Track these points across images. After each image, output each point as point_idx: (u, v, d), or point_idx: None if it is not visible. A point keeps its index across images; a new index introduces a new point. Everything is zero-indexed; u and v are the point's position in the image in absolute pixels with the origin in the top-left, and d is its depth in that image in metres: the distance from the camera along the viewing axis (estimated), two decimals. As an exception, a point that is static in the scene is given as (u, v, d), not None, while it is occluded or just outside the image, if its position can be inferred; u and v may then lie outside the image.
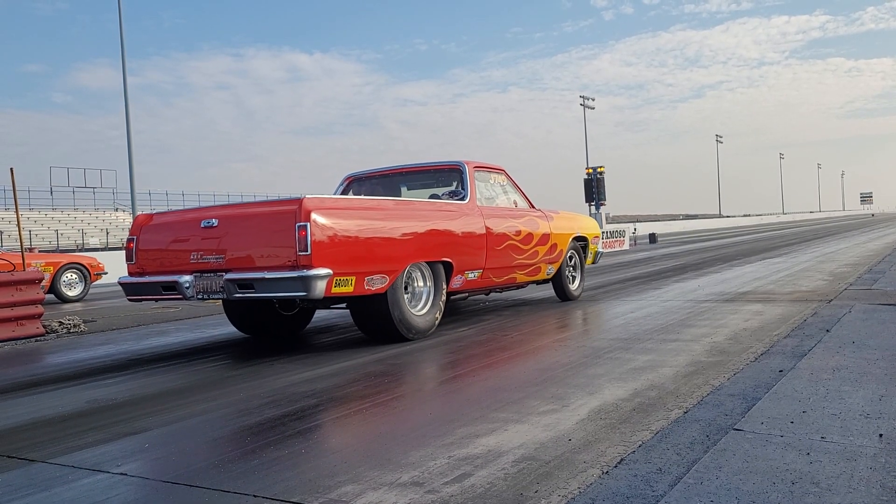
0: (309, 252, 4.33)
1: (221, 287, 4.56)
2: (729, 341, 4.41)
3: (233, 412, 3.30)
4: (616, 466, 2.24)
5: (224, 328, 6.64)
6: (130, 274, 5.18)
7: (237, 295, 4.51)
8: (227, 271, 4.61)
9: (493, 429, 2.74)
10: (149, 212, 5.45)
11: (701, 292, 7.40)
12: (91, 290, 12.44)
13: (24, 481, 2.44)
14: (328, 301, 4.97)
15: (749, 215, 79.08)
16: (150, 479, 2.39)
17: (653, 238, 26.53)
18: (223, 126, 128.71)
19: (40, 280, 6.87)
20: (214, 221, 4.76)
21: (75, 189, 41.50)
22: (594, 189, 29.81)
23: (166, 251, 5.03)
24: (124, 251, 5.32)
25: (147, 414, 3.35)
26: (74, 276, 11.69)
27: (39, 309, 6.74)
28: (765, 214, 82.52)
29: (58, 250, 27.71)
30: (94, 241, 34.26)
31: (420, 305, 5.34)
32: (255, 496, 2.15)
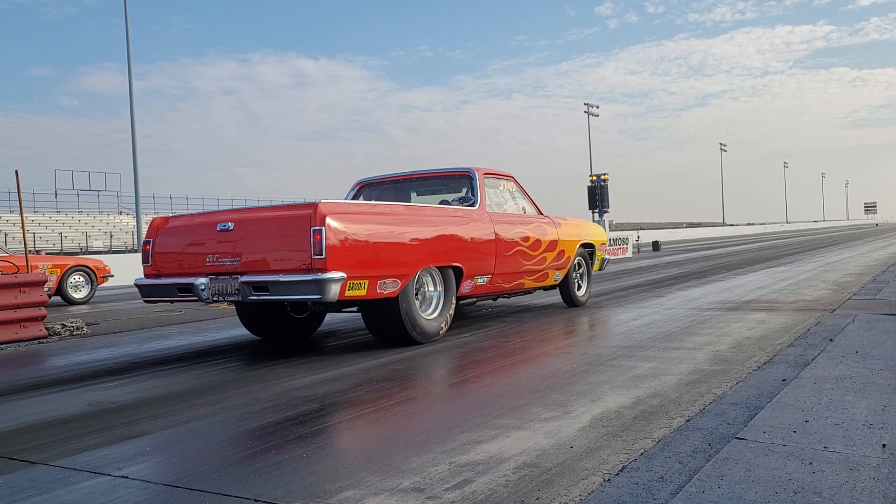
0: (324, 256, 4.36)
1: (237, 289, 4.59)
2: (732, 350, 4.40)
3: (234, 416, 3.30)
4: (618, 474, 2.23)
5: (226, 332, 6.64)
6: (146, 276, 5.22)
7: (252, 297, 4.53)
8: (242, 274, 4.63)
9: (495, 435, 2.73)
10: (155, 215, 5.47)
11: (704, 300, 7.39)
12: (96, 293, 12.46)
13: (26, 483, 2.44)
14: (341, 304, 4.99)
15: (753, 224, 78.93)
16: (152, 482, 2.39)
17: (656, 246, 26.49)
18: (228, 131, 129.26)
19: (44, 282, 6.87)
20: (230, 225, 4.79)
21: (80, 192, 41.74)
22: (598, 196, 29.80)
23: (182, 254, 5.06)
24: (140, 253, 5.35)
25: (149, 417, 3.35)
26: (81, 278, 11.73)
27: (42, 311, 6.75)
28: (768, 223, 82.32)
29: (62, 253, 27.79)
30: (97, 244, 34.37)
31: (430, 310, 5.38)
32: (255, 500, 2.15)
